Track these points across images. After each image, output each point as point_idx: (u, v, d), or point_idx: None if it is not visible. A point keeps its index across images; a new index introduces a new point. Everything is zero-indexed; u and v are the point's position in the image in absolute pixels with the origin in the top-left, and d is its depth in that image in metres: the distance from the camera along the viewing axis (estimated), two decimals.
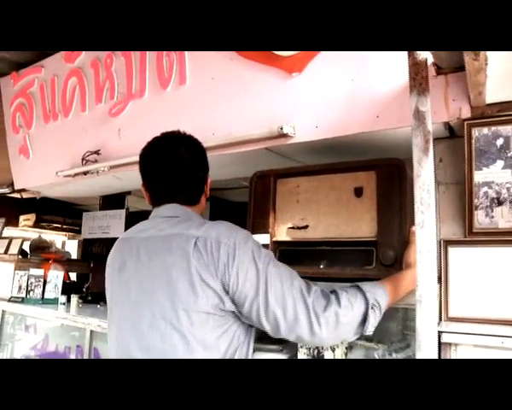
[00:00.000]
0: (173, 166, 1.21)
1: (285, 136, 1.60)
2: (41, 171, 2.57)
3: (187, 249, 1.08)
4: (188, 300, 1.06)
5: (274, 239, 1.64)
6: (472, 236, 1.55)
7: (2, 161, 2.91)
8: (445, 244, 1.52)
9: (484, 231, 1.53)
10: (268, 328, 1.09)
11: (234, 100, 1.78)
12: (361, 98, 1.49)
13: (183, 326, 1.05)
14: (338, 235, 1.53)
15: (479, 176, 1.51)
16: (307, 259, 1.58)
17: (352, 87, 1.51)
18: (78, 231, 4.49)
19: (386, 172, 1.46)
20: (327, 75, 1.56)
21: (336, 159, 1.64)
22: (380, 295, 1.17)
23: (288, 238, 1.62)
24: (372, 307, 1.13)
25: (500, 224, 1.52)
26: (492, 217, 1.53)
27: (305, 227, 1.60)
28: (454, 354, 1.34)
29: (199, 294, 1.05)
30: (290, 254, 1.62)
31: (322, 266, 1.53)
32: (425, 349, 1.10)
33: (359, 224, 1.50)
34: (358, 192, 1.53)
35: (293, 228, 1.62)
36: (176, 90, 1.95)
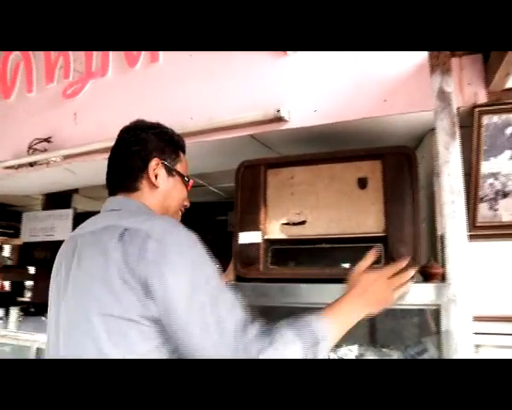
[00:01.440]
0: (113, 152, 1.14)
1: (279, 120, 1.42)
2: None
3: (109, 242, 0.92)
4: (104, 303, 0.88)
5: (266, 237, 1.45)
6: (475, 230, 1.47)
7: None
8: None
9: (487, 224, 1.46)
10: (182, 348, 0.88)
11: (216, 80, 1.57)
12: (366, 80, 1.34)
13: (100, 337, 0.87)
14: (340, 231, 1.37)
15: (485, 166, 1.43)
16: (305, 259, 1.41)
17: (356, 68, 1.36)
18: (14, 235, 4.03)
19: (395, 162, 1.33)
20: (327, 54, 1.40)
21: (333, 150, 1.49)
22: (321, 329, 0.97)
23: (282, 236, 1.44)
24: (313, 346, 0.94)
25: (504, 217, 1.45)
26: (496, 210, 1.46)
27: (302, 223, 1.42)
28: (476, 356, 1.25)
29: (118, 296, 0.87)
30: (285, 253, 1.44)
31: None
32: (462, 352, 1.00)
33: (364, 218, 1.35)
34: (362, 183, 1.38)
35: (287, 224, 1.44)
36: (146, 69, 1.71)
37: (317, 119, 1.40)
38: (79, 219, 3.03)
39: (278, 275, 1.40)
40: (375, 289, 1.08)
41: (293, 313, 1.34)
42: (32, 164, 1.92)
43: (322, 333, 0.95)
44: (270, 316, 1.45)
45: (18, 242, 3.55)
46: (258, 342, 0.89)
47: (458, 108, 1.30)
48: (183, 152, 1.25)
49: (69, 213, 2.94)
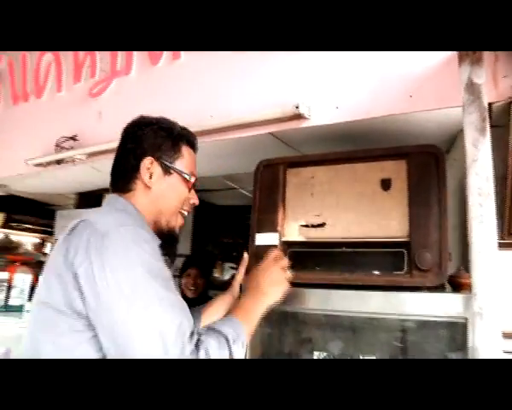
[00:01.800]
0: (116, 152, 1.11)
1: (299, 117, 1.36)
2: (7, 159, 2.24)
3: (65, 234, 0.92)
4: (42, 293, 0.90)
5: (283, 239, 1.39)
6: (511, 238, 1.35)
7: None
8: None
9: None
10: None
11: (236, 77, 1.53)
12: (391, 74, 1.26)
13: (36, 324, 0.89)
14: (361, 234, 1.29)
15: None
16: (324, 263, 1.34)
17: (380, 61, 1.28)
18: (52, 233, 4.17)
19: (421, 161, 1.24)
20: None
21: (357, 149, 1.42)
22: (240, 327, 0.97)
23: (300, 238, 1.38)
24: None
25: None
26: None
27: (322, 225, 1.36)
28: None
29: (51, 285, 0.87)
30: (303, 257, 1.38)
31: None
32: None
33: (387, 221, 1.27)
34: (386, 184, 1.30)
35: (306, 226, 1.38)
36: (168, 66, 1.69)
37: (339, 116, 1.33)
38: None
39: (295, 279, 1.34)
40: (267, 277, 1.11)
41: (305, 320, 1.28)
42: (59, 161, 1.95)
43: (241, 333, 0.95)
44: (284, 322, 1.39)
45: (54, 239, 3.65)
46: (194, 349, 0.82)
47: (491, 103, 1.20)
48: (191, 146, 1.16)
49: None
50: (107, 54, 1.88)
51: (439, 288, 1.24)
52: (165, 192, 1.08)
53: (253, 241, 1.42)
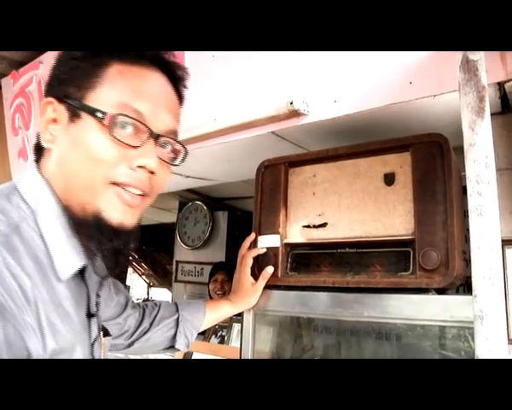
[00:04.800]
0: None
1: (297, 114, 1.31)
2: None
3: None
4: None
5: (285, 241, 1.34)
6: None
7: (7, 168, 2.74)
8: (502, 245, 1.20)
9: None
10: None
11: (237, 78, 1.51)
12: (389, 61, 1.18)
13: None
14: (364, 234, 1.21)
15: None
16: (327, 265, 1.27)
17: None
18: None
19: (425, 152, 1.15)
20: None
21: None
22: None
23: (302, 240, 1.32)
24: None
25: None
26: None
27: (323, 225, 1.29)
28: None
29: None
30: (305, 259, 1.32)
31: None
32: None
33: (391, 219, 1.18)
34: (389, 179, 1.21)
35: (308, 227, 1.32)
36: None
37: (338, 110, 1.26)
38: (144, 232, 3.16)
39: (296, 282, 1.28)
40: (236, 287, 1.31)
41: (310, 323, 1.22)
42: None
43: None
44: (286, 327, 1.34)
45: None
46: None
47: (502, 82, 1.09)
48: (134, 59, 0.69)
49: None
50: None
51: (451, 291, 1.13)
52: (68, 151, 0.67)
53: (256, 243, 1.38)
